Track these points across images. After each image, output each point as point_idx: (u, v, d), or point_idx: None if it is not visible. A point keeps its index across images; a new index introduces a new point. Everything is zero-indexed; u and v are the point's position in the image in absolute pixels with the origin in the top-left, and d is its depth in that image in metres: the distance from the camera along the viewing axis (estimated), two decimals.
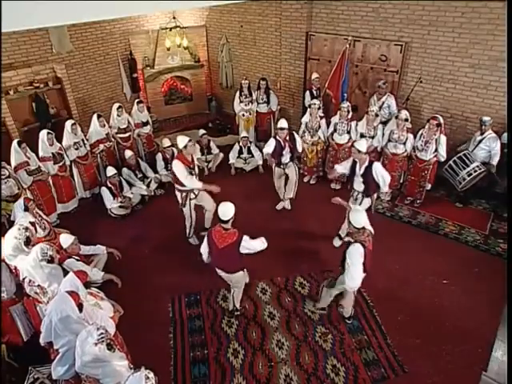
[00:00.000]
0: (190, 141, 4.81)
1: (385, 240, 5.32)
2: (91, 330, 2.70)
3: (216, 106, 9.75)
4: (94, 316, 3.09)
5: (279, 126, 5.54)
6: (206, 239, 3.87)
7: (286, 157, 5.64)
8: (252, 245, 3.79)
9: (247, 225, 5.45)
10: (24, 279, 3.61)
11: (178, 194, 5.13)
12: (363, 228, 3.61)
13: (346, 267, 3.65)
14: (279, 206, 6.14)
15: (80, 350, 2.67)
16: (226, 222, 3.67)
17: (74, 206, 6.26)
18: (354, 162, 4.82)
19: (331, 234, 5.41)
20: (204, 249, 3.94)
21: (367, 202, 4.94)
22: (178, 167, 4.80)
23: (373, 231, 3.82)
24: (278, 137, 5.55)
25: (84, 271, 3.33)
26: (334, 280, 4.08)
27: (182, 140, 4.85)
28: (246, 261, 4.66)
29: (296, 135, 5.67)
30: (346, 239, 3.92)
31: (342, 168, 5.08)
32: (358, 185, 4.88)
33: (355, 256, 3.54)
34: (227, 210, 3.67)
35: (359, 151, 4.62)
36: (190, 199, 5.13)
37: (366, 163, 4.69)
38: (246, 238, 3.74)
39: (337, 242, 5.29)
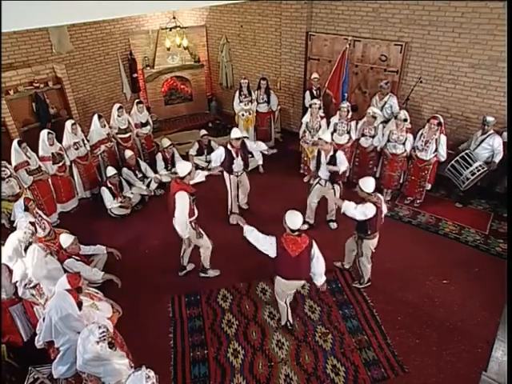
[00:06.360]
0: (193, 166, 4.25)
1: (385, 240, 5.32)
2: (93, 328, 2.71)
3: (216, 106, 9.75)
4: (90, 317, 3.08)
5: (233, 135, 5.30)
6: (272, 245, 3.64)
7: (237, 165, 5.48)
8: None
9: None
10: (16, 282, 3.61)
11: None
12: (374, 192, 4.13)
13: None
14: (233, 221, 5.45)
15: (82, 348, 2.67)
16: (296, 230, 3.60)
17: (73, 206, 6.26)
18: (319, 153, 5.19)
19: (331, 234, 5.42)
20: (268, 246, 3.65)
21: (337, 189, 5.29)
22: (182, 200, 4.13)
23: (382, 197, 4.31)
24: (229, 146, 5.37)
25: (77, 275, 3.26)
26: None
27: (184, 166, 4.15)
28: (247, 261, 4.69)
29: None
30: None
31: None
32: (324, 172, 5.20)
33: (370, 210, 4.10)
34: (296, 219, 3.57)
35: (326, 142, 5.02)
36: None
37: (331, 152, 5.04)
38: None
39: (334, 225, 5.68)
